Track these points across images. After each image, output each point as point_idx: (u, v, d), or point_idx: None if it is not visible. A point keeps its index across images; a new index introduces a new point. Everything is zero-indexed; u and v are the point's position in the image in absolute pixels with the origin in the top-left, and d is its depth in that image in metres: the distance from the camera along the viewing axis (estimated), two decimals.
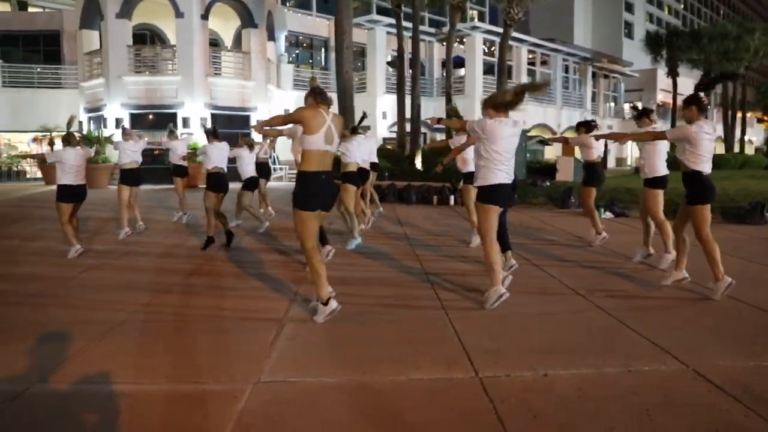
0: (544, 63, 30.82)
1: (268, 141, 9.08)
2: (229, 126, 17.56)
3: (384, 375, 3.14)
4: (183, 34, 18.32)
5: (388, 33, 25.24)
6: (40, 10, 26.91)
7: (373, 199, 9.96)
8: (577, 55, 32.44)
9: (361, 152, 7.66)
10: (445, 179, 12.70)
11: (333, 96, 8.21)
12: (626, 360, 3.32)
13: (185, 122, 18.10)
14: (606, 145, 22.17)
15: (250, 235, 8.05)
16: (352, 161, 7.19)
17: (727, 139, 35.53)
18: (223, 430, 2.54)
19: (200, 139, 15.67)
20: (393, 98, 21.31)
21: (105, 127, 18.16)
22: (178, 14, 18.20)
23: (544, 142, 25.93)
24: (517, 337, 3.78)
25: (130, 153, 8.12)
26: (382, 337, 3.79)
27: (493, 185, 4.37)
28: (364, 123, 7.64)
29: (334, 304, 4.01)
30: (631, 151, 36.07)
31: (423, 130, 23.53)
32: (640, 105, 37.87)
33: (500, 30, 22.53)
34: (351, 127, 7.57)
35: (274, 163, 18.62)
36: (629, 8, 60.48)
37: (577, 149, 11.06)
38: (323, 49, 26.23)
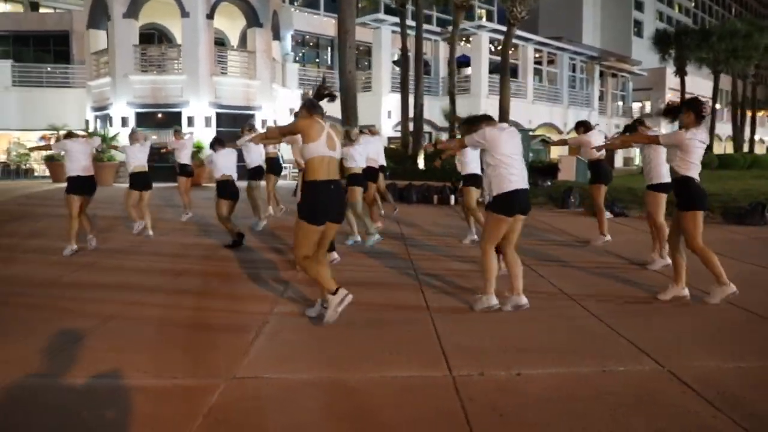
0: (551, 62, 30.64)
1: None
2: (233, 125, 17.64)
3: (360, 373, 3.17)
4: (188, 34, 18.43)
5: (394, 32, 25.20)
6: (51, 10, 27.22)
7: (385, 198, 10.00)
8: (584, 54, 32.23)
9: (368, 151, 7.62)
10: (446, 179, 12.70)
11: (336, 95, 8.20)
12: (603, 360, 3.33)
13: (190, 121, 18.22)
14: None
15: (248, 234, 8.09)
16: (355, 166, 7.11)
17: (737, 138, 35.12)
18: (191, 424, 2.58)
19: (199, 139, 15.86)
20: (398, 97, 21.27)
21: (111, 125, 18.36)
22: (184, 14, 18.31)
23: (546, 142, 25.84)
24: (496, 337, 3.79)
25: (138, 157, 8.19)
26: (363, 336, 3.82)
27: (509, 192, 4.21)
28: (367, 123, 7.64)
29: (343, 291, 3.86)
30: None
31: (427, 129, 23.50)
32: (648, 106, 37.68)
33: (506, 29, 22.42)
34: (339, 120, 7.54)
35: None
36: (639, 7, 59.94)
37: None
38: (330, 48, 26.27)
